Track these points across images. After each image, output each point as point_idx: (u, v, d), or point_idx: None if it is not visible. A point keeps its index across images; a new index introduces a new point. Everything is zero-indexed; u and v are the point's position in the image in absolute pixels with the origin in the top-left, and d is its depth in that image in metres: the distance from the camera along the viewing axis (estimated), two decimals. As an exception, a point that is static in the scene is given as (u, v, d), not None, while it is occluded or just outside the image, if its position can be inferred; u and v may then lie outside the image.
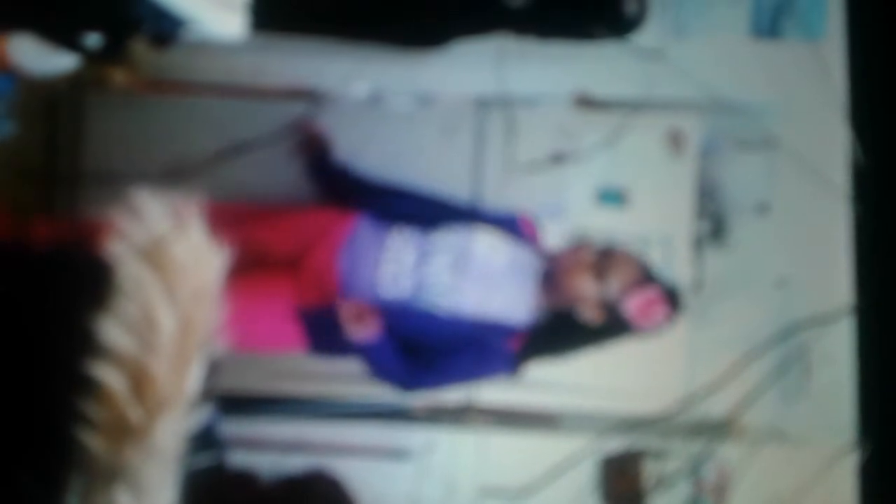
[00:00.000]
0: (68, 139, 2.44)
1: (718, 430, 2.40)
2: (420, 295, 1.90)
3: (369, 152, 2.41)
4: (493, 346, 1.90)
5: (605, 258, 1.88)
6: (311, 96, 2.44)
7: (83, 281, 0.94)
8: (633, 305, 1.85)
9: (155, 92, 2.43)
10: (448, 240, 1.94)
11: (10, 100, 1.88)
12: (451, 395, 2.39)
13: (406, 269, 1.91)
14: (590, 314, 1.88)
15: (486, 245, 1.95)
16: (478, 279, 1.91)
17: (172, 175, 2.17)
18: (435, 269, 1.90)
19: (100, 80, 2.39)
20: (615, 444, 2.41)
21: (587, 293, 1.86)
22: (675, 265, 2.40)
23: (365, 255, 1.92)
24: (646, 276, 1.89)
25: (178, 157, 2.30)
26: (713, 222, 2.49)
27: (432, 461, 2.41)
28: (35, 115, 2.33)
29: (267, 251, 1.96)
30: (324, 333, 1.90)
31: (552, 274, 1.91)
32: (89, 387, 0.88)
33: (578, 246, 1.93)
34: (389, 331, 1.88)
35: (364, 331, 1.86)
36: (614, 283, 1.86)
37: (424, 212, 2.00)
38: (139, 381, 0.89)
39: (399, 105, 2.50)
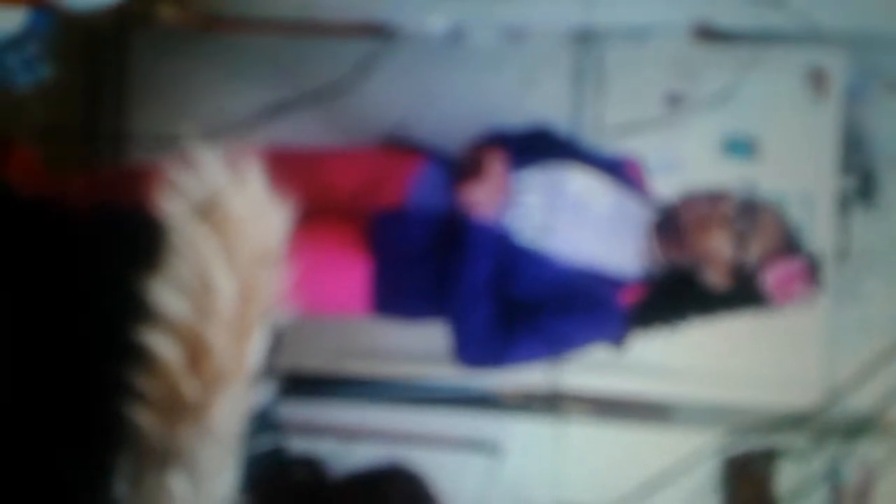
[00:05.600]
0: (112, 83, 2.50)
1: (862, 426, 2.35)
2: (512, 240, 1.85)
3: (447, 97, 2.41)
4: (602, 298, 1.85)
5: (748, 215, 1.80)
6: (384, 33, 2.44)
7: (132, 241, 0.96)
8: (774, 277, 1.79)
9: (208, 29, 2.47)
10: (539, 178, 1.89)
11: (47, 40, 1.93)
12: (543, 379, 2.39)
13: (502, 212, 1.86)
14: (717, 278, 1.81)
15: (584, 185, 1.90)
16: (575, 222, 1.85)
17: (228, 125, 2.20)
18: (527, 211, 1.86)
19: (147, 16, 2.43)
20: (740, 442, 2.37)
21: (720, 252, 1.80)
22: (816, 230, 2.33)
23: (439, 196, 1.88)
24: (791, 244, 1.83)
25: (234, 103, 2.33)
26: (861, 178, 2.42)
27: (512, 461, 2.43)
28: (75, 56, 2.39)
29: (329, 193, 1.95)
30: (396, 252, 1.85)
31: (679, 222, 1.85)
32: (140, 358, 0.90)
33: (717, 195, 1.85)
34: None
35: (496, 200, 1.76)
36: (755, 248, 1.79)
37: (512, 149, 1.93)
38: (195, 351, 0.90)
39: (482, 41, 2.47)
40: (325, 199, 1.92)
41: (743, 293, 1.82)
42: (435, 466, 1.25)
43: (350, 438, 2.36)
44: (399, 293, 1.89)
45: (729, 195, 1.83)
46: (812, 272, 1.81)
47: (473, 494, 2.40)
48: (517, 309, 1.80)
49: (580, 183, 1.88)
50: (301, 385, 2.39)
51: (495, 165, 1.78)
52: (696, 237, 1.81)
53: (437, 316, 1.86)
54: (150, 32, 2.47)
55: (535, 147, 1.94)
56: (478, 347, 1.82)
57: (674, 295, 1.87)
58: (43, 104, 2.17)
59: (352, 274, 1.89)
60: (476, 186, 1.77)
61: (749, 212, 1.80)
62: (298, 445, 1.22)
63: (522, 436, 2.45)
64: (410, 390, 2.43)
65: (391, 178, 1.95)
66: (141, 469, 0.88)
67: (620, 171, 1.98)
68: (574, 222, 1.84)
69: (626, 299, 1.85)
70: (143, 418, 0.89)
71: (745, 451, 2.38)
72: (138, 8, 2.37)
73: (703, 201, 1.84)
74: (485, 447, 2.45)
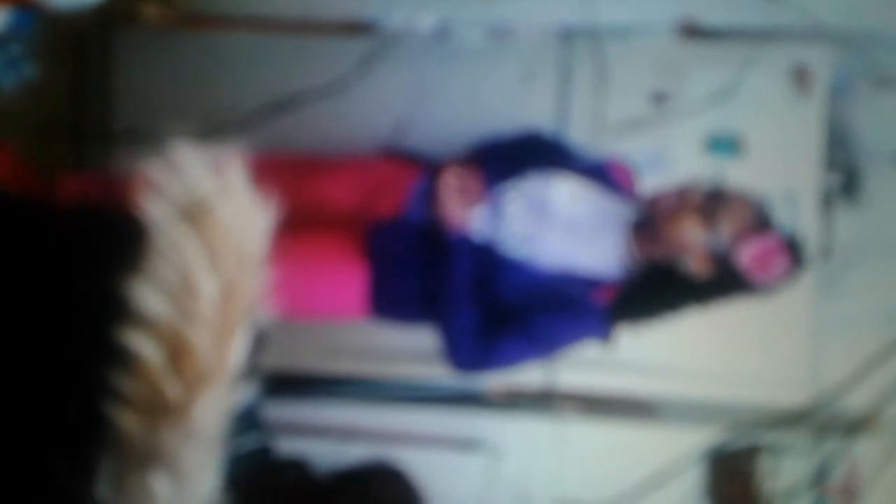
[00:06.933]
0: (97, 83, 2.49)
1: (849, 425, 2.35)
2: (495, 248, 1.89)
3: (436, 96, 2.40)
4: (581, 300, 1.88)
5: (714, 201, 1.83)
6: (370, 31, 2.44)
7: (116, 242, 0.95)
8: (747, 255, 1.80)
9: (193, 28, 2.46)
10: (523, 188, 1.93)
11: (32, 39, 1.92)
12: (531, 377, 2.39)
13: (478, 220, 1.90)
14: (696, 266, 1.83)
15: (566, 193, 1.93)
16: (557, 229, 1.89)
17: (214, 125, 2.19)
18: (510, 220, 1.90)
19: (131, 14, 2.43)
20: (728, 440, 2.38)
21: (693, 241, 1.82)
22: (800, 226, 2.33)
23: (431, 205, 1.92)
24: (763, 222, 1.84)
25: (220, 103, 2.33)
26: (845, 175, 2.43)
27: (506, 460, 2.43)
28: (59, 55, 2.37)
29: (326, 206, 1.98)
30: (392, 259, 1.90)
31: (651, 219, 1.88)
32: (122, 359, 0.89)
33: (683, 188, 1.88)
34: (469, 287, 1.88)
35: (461, 212, 1.85)
36: (725, 229, 1.81)
37: (501, 159, 1.98)
38: (177, 352, 0.90)
39: (470, 41, 2.47)
40: (324, 209, 1.96)
41: (726, 278, 1.84)
42: (433, 466, 1.26)
43: (345, 439, 2.36)
44: (396, 300, 1.95)
45: (695, 186, 1.86)
46: (790, 247, 1.83)
47: (472, 494, 2.40)
48: (503, 313, 1.84)
49: (562, 192, 1.93)
50: (294, 385, 2.39)
51: (446, 181, 1.87)
52: (669, 230, 1.84)
53: (432, 321, 1.93)
54: (134, 31, 2.46)
55: (523, 155, 1.97)
56: (465, 351, 1.88)
57: (657, 289, 1.89)
58: (28, 103, 2.16)
59: (350, 282, 1.94)
60: (442, 200, 1.86)
61: (715, 197, 1.83)
62: (291, 446, 1.22)
63: (520, 434, 2.45)
64: (405, 390, 2.43)
65: (390, 189, 2.00)
66: (123, 470, 0.88)
67: (606, 174, 2.01)
68: (556, 230, 1.88)
69: (605, 297, 1.88)
70: (126, 419, 0.88)
71: (733, 449, 2.39)
72: (122, 6, 2.36)
73: (670, 196, 1.87)
74: (483, 447, 2.45)
